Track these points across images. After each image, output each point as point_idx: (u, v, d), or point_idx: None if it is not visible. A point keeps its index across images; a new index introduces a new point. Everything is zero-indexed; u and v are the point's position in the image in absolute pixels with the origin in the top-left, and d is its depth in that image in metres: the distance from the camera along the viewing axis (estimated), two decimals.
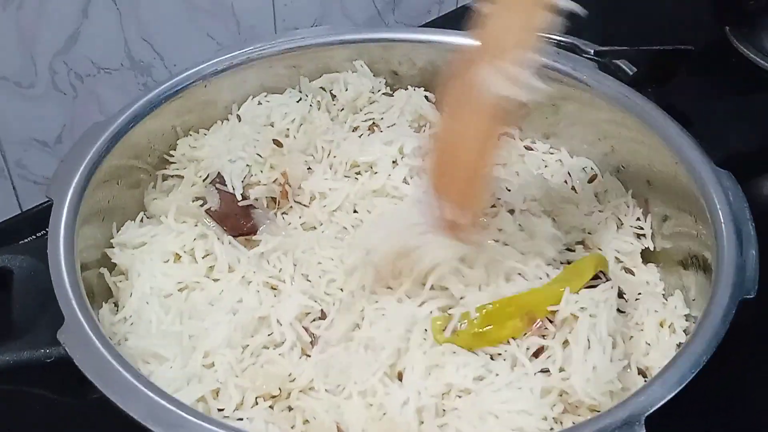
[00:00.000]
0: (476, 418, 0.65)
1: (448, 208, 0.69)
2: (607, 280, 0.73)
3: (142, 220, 0.83)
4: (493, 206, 0.80)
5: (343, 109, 0.92)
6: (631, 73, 1.22)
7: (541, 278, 0.73)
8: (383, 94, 0.93)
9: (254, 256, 0.77)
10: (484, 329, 0.69)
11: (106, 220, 0.79)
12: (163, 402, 0.58)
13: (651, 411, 0.58)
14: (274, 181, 0.82)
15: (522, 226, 0.78)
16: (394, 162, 0.82)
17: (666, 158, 0.80)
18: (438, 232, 0.71)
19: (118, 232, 0.80)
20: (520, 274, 0.73)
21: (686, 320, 0.75)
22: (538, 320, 0.70)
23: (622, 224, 0.84)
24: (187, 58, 1.14)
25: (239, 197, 0.79)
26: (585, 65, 0.90)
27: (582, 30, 1.35)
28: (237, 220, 0.79)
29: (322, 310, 0.73)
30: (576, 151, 0.91)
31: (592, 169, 0.89)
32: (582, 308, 0.70)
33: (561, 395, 0.67)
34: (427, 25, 1.41)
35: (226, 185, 0.81)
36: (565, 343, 0.70)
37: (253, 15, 1.20)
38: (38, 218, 1.04)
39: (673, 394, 0.59)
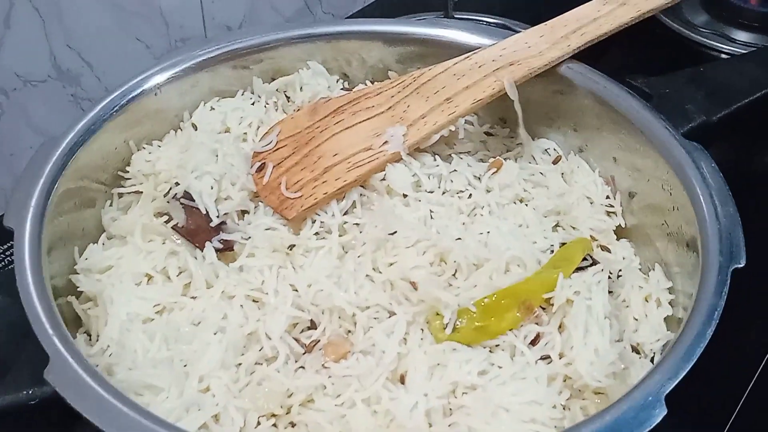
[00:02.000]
0: (488, 413, 0.64)
1: None
2: (594, 263, 0.74)
3: (104, 243, 0.78)
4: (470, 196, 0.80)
5: (299, 109, 0.89)
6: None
7: (536, 266, 0.73)
8: (342, 89, 0.90)
9: (232, 269, 0.74)
10: (485, 323, 0.68)
11: (67, 245, 0.75)
12: None
13: (669, 389, 0.58)
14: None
15: (504, 217, 0.77)
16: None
17: (631, 134, 0.81)
18: None
19: (80, 256, 0.75)
20: (518, 265, 0.72)
21: (670, 293, 0.75)
22: (536, 309, 0.69)
23: (593, 203, 0.84)
24: (117, 64, 1.09)
25: (214, 218, 0.75)
26: None
27: (511, 10, 1.37)
28: (209, 235, 0.75)
29: (311, 320, 0.70)
30: (536, 133, 0.91)
31: (555, 150, 0.89)
32: (576, 292, 0.70)
33: (565, 381, 0.67)
34: (354, 15, 1.39)
35: (191, 200, 0.76)
36: (560, 327, 0.70)
37: (181, 14, 1.16)
38: None
39: (686, 371, 0.59)
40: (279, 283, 0.72)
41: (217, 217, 0.75)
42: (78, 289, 0.73)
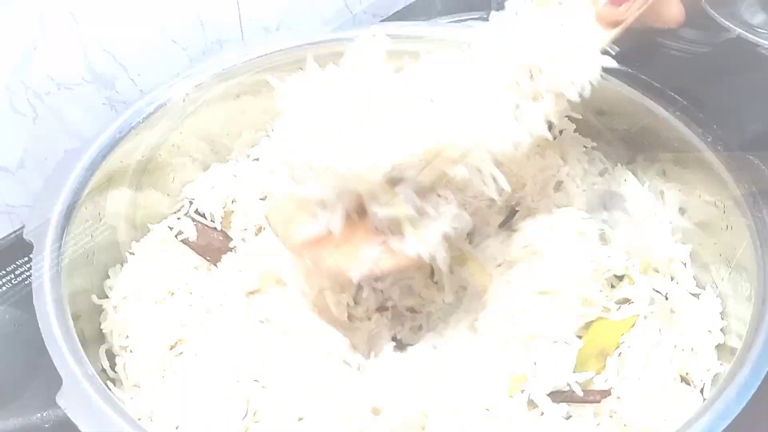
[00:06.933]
0: None
1: None
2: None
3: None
4: None
5: None
6: (613, 53, 1.19)
7: None
8: None
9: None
10: None
11: (90, 259, 0.72)
12: None
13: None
14: None
15: None
16: None
17: (680, 147, 0.76)
18: None
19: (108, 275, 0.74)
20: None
21: (722, 319, 0.71)
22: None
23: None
24: (152, 66, 1.07)
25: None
26: None
27: None
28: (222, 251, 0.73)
29: None
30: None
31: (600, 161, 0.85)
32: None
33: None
34: (396, 14, 1.35)
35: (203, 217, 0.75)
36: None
37: (216, 13, 1.13)
38: (4, 253, 0.96)
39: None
40: None
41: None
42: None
